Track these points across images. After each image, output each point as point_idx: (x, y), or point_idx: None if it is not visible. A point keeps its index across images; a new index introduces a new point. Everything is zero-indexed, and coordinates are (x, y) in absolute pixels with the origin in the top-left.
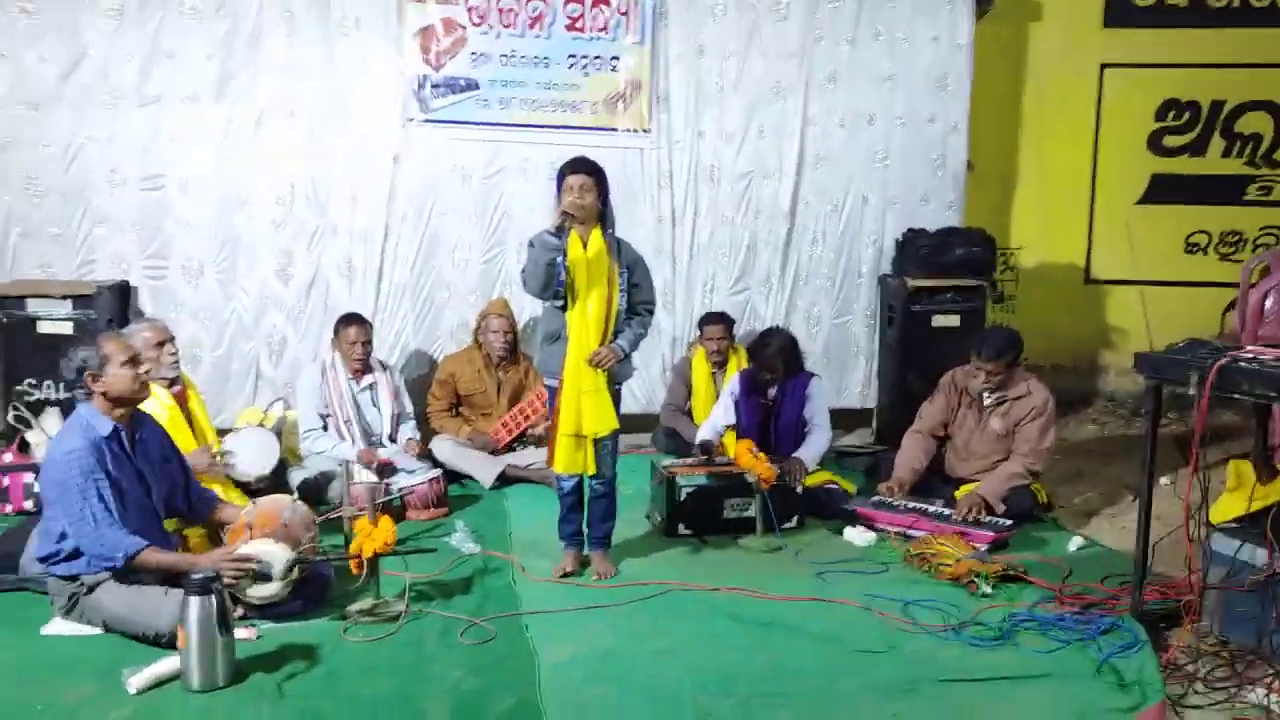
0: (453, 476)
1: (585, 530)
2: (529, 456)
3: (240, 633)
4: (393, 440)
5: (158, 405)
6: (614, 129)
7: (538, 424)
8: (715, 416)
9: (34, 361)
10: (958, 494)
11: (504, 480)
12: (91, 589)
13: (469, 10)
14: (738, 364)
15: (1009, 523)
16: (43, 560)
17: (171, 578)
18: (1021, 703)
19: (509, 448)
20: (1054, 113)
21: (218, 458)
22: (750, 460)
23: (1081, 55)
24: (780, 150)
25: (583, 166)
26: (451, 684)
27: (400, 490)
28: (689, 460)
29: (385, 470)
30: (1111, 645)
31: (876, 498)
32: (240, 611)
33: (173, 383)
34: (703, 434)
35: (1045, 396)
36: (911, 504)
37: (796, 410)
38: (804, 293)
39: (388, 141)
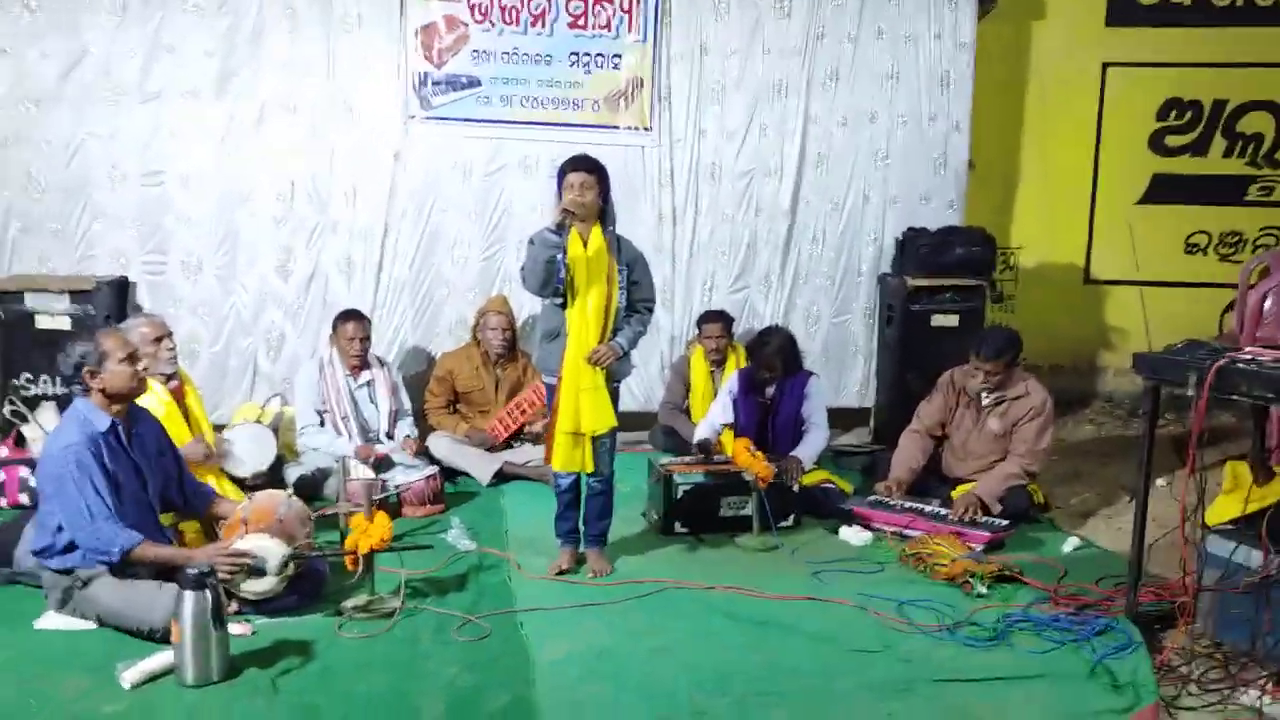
0: (449, 473)
1: (582, 528)
2: (526, 454)
3: (235, 628)
4: (390, 437)
5: (154, 400)
6: (615, 127)
7: (535, 420)
8: (713, 415)
9: (31, 356)
10: (954, 494)
11: (501, 477)
12: (86, 583)
13: (471, 7)
14: (736, 362)
15: (1005, 523)
16: (38, 554)
17: (167, 572)
18: (1015, 703)
19: (506, 444)
20: (1056, 111)
21: (214, 448)
22: (747, 459)
23: (1084, 54)
24: (781, 148)
25: (584, 164)
26: (446, 681)
27: (397, 487)
28: (687, 458)
29: (382, 465)
30: (1106, 646)
31: (873, 497)
32: (235, 607)
33: (170, 378)
34: (700, 432)
35: (1043, 397)
36: (908, 504)
37: (794, 409)
38: (803, 291)
39: (389, 138)
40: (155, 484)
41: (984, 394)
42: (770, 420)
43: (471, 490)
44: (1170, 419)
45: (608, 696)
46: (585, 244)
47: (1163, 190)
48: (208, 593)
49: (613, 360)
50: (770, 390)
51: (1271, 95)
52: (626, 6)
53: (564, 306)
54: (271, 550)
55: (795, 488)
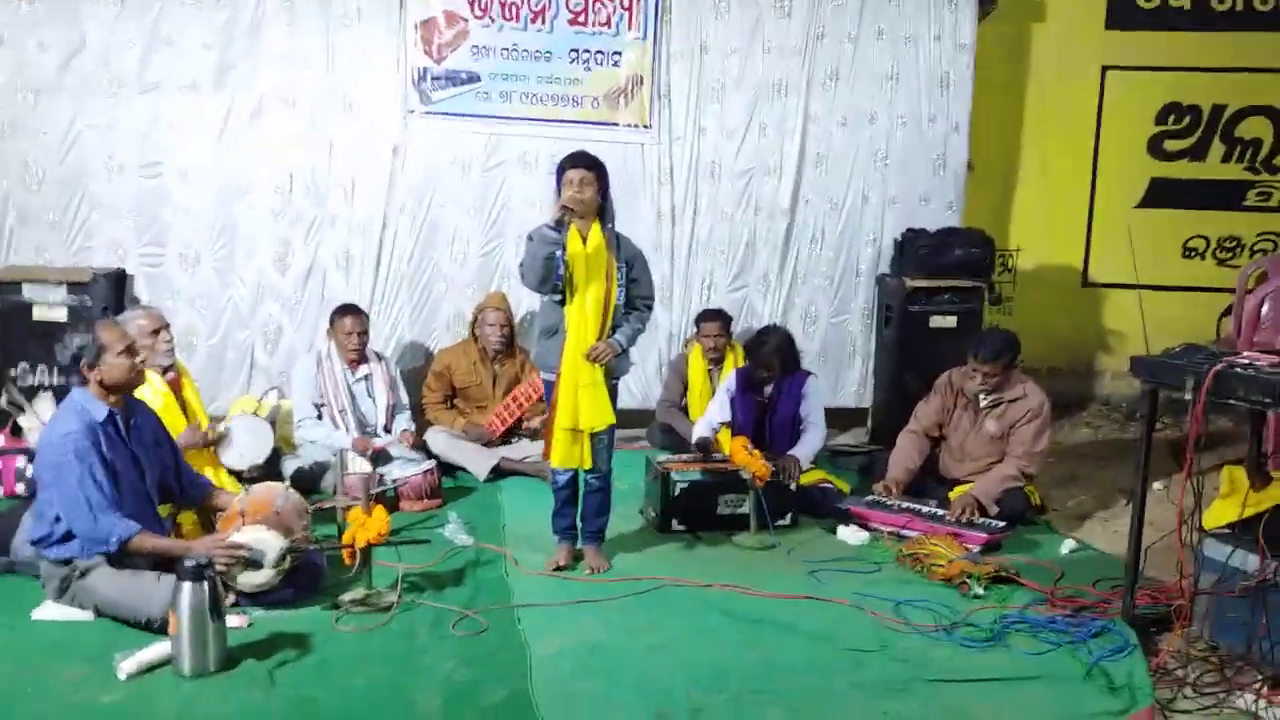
0: (447, 468)
1: (579, 524)
2: (523, 450)
3: (232, 620)
4: (387, 431)
5: (151, 392)
6: (615, 124)
7: (532, 416)
8: (711, 413)
9: (28, 347)
10: (951, 495)
11: (498, 473)
12: (84, 573)
13: (471, 3)
14: (734, 361)
15: (1002, 524)
16: (36, 543)
17: (165, 563)
18: (1011, 704)
19: (504, 440)
20: (1055, 114)
21: (209, 433)
22: (745, 457)
23: (1083, 57)
24: (781, 148)
25: (583, 161)
26: (443, 675)
27: (394, 481)
28: (684, 456)
29: (379, 459)
30: (1102, 649)
31: (870, 497)
32: (232, 599)
33: (167, 370)
34: (698, 430)
35: (1041, 399)
36: (905, 504)
37: (792, 408)
38: (802, 291)
39: (388, 133)
40: (153, 474)
41: (981, 396)
42: (767, 419)
43: (469, 485)
44: (1167, 423)
45: (604, 692)
46: (584, 241)
47: (1161, 194)
48: (205, 584)
49: (611, 357)
50: (768, 389)
51: (1270, 100)
52: (627, 4)
53: (563, 303)
54: (269, 543)
55: (793, 486)
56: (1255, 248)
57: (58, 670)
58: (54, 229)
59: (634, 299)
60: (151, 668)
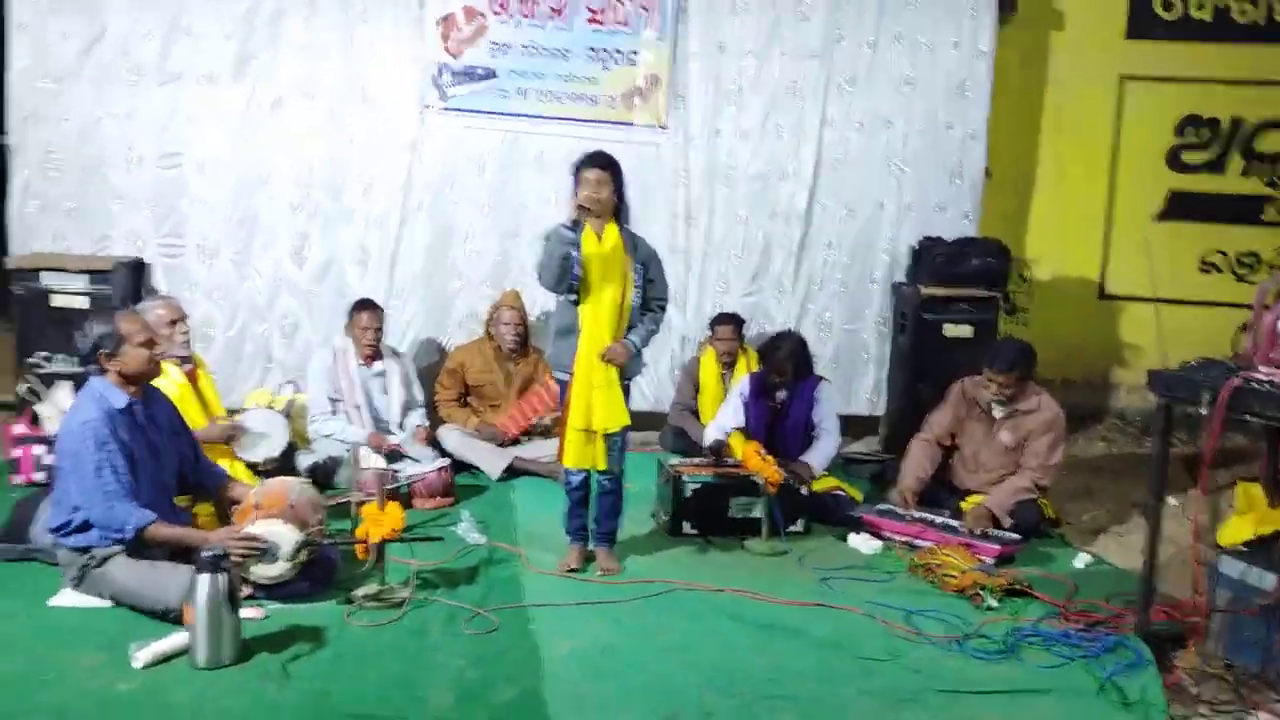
0: (460, 466)
1: (591, 526)
2: (536, 449)
3: (247, 612)
4: (401, 428)
5: (168, 382)
6: (631, 124)
7: (545, 415)
8: (723, 417)
9: (47, 334)
10: (964, 505)
11: (510, 472)
12: (102, 562)
13: None
14: (747, 365)
15: (1016, 536)
16: (54, 531)
17: (182, 554)
18: (1023, 717)
19: (516, 440)
20: (1072, 124)
21: (233, 427)
22: (758, 462)
23: (1102, 66)
24: (797, 152)
25: (599, 161)
26: (455, 672)
27: (408, 478)
28: (696, 460)
29: (393, 457)
30: (1116, 664)
31: (883, 505)
32: (247, 591)
33: (184, 361)
34: (710, 434)
35: (1056, 412)
36: (918, 514)
37: (804, 414)
38: (816, 297)
39: (405, 128)
40: (170, 464)
41: (995, 406)
42: (780, 424)
43: (482, 484)
44: (1183, 439)
45: (615, 693)
46: (600, 241)
47: (1179, 207)
48: (222, 576)
49: (625, 358)
50: (781, 395)
51: None
52: (646, 4)
53: (578, 303)
54: (284, 536)
55: (805, 491)
56: (1274, 264)
57: (75, 658)
58: (72, 217)
59: (649, 300)
60: (167, 658)
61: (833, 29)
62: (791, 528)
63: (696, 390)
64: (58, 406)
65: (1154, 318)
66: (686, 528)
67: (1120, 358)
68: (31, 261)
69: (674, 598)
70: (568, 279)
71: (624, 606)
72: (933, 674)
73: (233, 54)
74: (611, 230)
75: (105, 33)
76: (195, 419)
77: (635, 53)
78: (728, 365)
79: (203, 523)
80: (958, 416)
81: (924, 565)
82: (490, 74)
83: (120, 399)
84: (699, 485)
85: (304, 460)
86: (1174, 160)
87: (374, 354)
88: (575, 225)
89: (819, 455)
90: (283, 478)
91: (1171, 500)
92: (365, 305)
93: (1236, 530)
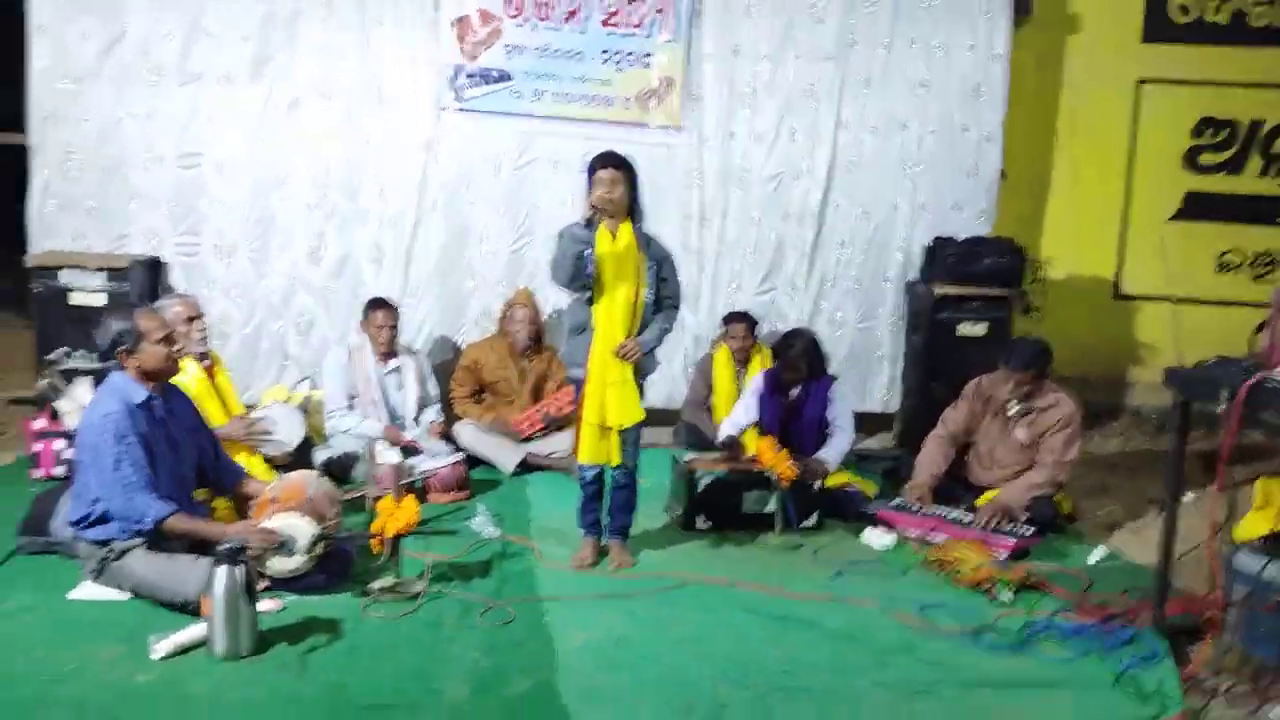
0: (475, 461)
1: (605, 520)
2: (550, 445)
3: (264, 604)
4: (417, 424)
5: (186, 379)
6: (645, 125)
7: (563, 411)
8: (737, 414)
9: (66, 332)
10: (979, 501)
11: (525, 467)
12: (121, 554)
13: (506, 1)
14: (761, 363)
15: (1031, 531)
16: (74, 524)
17: (200, 547)
18: (1038, 709)
19: (530, 437)
20: (1088, 126)
21: (254, 424)
22: (772, 458)
23: (1119, 69)
24: (811, 153)
25: (612, 161)
26: (470, 664)
27: (423, 473)
28: (710, 455)
29: (408, 451)
30: (1132, 656)
31: (897, 501)
32: (264, 583)
33: (201, 358)
34: (724, 431)
35: (1072, 408)
36: (932, 509)
37: (818, 412)
38: (830, 296)
39: (421, 129)
40: (189, 459)
41: (1012, 403)
42: (793, 422)
43: (496, 479)
44: (1199, 435)
45: (629, 685)
46: (614, 240)
47: (1196, 208)
48: (240, 568)
49: (639, 355)
50: (794, 392)
51: None
52: (660, 6)
53: (591, 301)
54: (301, 529)
55: (817, 486)
56: None
57: (94, 649)
58: (92, 216)
59: (662, 299)
60: (185, 649)
61: (847, 32)
62: (805, 523)
63: (710, 388)
64: (77, 402)
65: (1170, 317)
66: (700, 522)
67: (1136, 356)
68: (51, 260)
69: (687, 591)
70: (581, 277)
71: (638, 599)
72: (947, 667)
73: (251, 55)
74: (625, 230)
75: (125, 34)
76: (213, 415)
77: (649, 55)
78: (741, 363)
79: (221, 516)
80: (974, 413)
81: (938, 560)
82: (505, 76)
83: (140, 393)
84: (712, 480)
85: (320, 455)
86: (1191, 162)
87: (389, 351)
88: (589, 224)
89: (833, 452)
90: (300, 472)
91: (1188, 497)
92: (380, 304)
93: (1253, 525)
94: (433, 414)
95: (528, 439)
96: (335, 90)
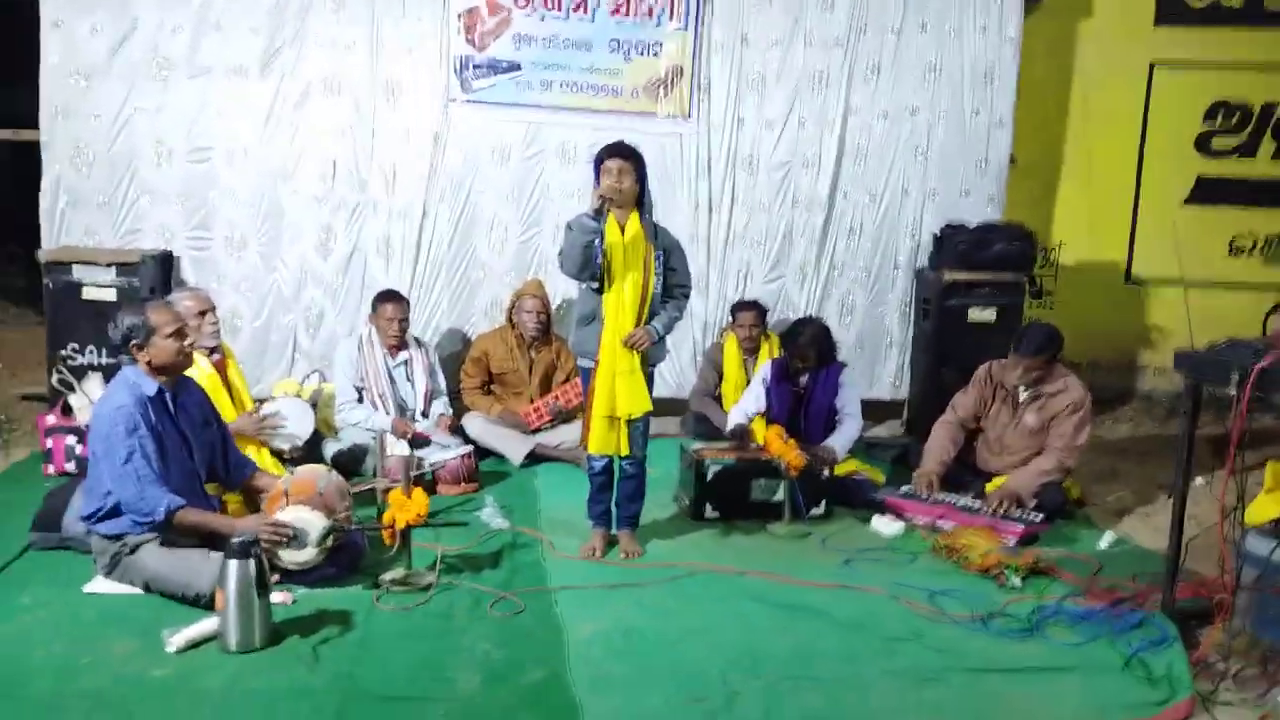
0: (484, 453)
1: (614, 510)
2: (559, 436)
3: (276, 596)
4: (425, 416)
5: (198, 373)
6: (654, 114)
7: (571, 404)
8: (745, 402)
9: (78, 327)
10: (988, 487)
11: (533, 458)
12: (134, 549)
13: None
14: (769, 351)
15: (1040, 517)
16: (87, 518)
17: (212, 540)
18: (1048, 694)
19: (538, 428)
20: (1100, 110)
21: (265, 419)
22: (780, 446)
23: (1131, 53)
24: (820, 140)
25: (621, 151)
26: (481, 655)
27: (432, 465)
28: (719, 444)
29: (417, 443)
30: (1141, 640)
31: (905, 488)
32: (276, 576)
33: (212, 351)
34: (733, 419)
35: (1082, 393)
36: (941, 496)
37: (827, 399)
38: (839, 283)
39: (429, 120)
40: (201, 453)
41: (1021, 389)
42: (802, 410)
43: (505, 470)
44: (1209, 419)
45: (640, 675)
46: (622, 230)
47: (1208, 191)
48: (252, 561)
49: (648, 344)
50: (804, 380)
51: None
52: None
53: (600, 291)
54: (312, 522)
55: (825, 473)
56: None
57: (109, 644)
58: (103, 211)
59: (671, 288)
60: (199, 643)
61: (857, 18)
62: (813, 510)
63: (719, 377)
64: (89, 398)
65: (1181, 301)
66: (708, 511)
67: (1147, 340)
68: (63, 255)
69: (697, 580)
70: (590, 267)
71: (647, 589)
72: (956, 653)
73: (260, 48)
74: (634, 220)
75: (135, 28)
76: (225, 409)
77: (658, 44)
78: (750, 351)
79: (232, 510)
80: (983, 399)
81: (947, 546)
82: (514, 66)
83: (151, 386)
84: (721, 469)
85: (330, 448)
86: (1203, 145)
87: (399, 344)
88: (598, 214)
89: (841, 440)
90: (311, 465)
91: (1198, 481)
92: (391, 296)
93: (1264, 509)
94: (441, 407)
95: (536, 430)
96: (344, 83)
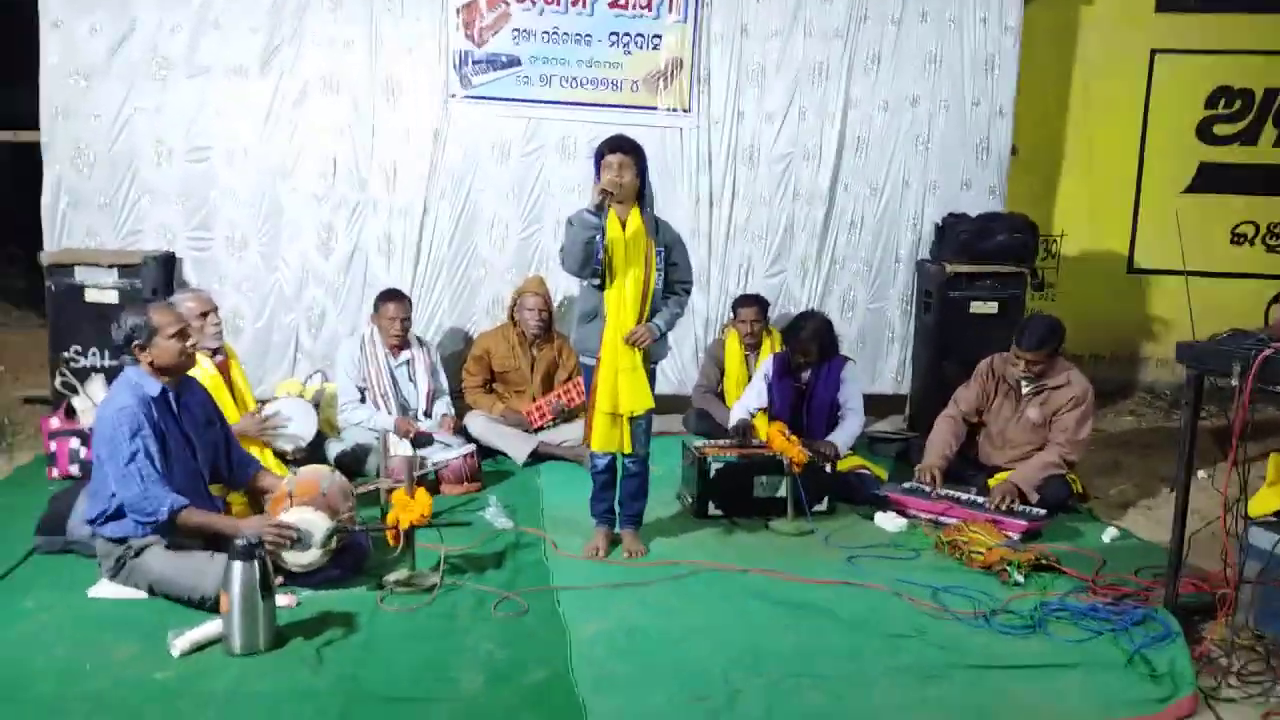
0: (486, 452)
1: (617, 508)
2: (561, 434)
3: (281, 599)
4: (428, 415)
5: (201, 374)
6: (654, 108)
7: (574, 404)
8: (747, 398)
9: (81, 329)
10: (991, 482)
11: (536, 457)
12: (139, 552)
13: None
14: (771, 346)
15: (1043, 512)
16: (92, 521)
17: (216, 543)
18: (1051, 690)
19: (541, 427)
20: (1101, 98)
21: (267, 420)
22: (782, 443)
23: (1132, 40)
24: (821, 132)
25: (621, 145)
26: (485, 655)
27: (435, 464)
28: (721, 441)
29: (420, 443)
30: (1144, 636)
31: (908, 484)
32: (280, 579)
33: (215, 352)
34: (735, 415)
35: (1084, 387)
36: (944, 491)
37: (829, 394)
38: (840, 276)
39: (429, 117)
40: (204, 453)
41: (1024, 382)
42: (805, 405)
43: (508, 469)
44: (1212, 411)
45: (643, 673)
46: (623, 225)
47: (1210, 179)
48: (256, 564)
49: (650, 341)
50: (805, 375)
51: None
52: None
53: (602, 287)
54: (316, 524)
55: (828, 469)
56: None
57: (113, 647)
58: (104, 212)
59: (673, 283)
60: (203, 646)
61: (856, 8)
62: (816, 507)
63: (721, 373)
64: (92, 400)
65: (1183, 291)
66: (711, 509)
67: (1149, 331)
68: (65, 257)
69: (700, 578)
70: (591, 263)
71: (650, 588)
72: (960, 650)
73: (259, 47)
74: (635, 215)
75: (134, 28)
76: (228, 410)
77: (658, 37)
78: (751, 347)
79: (236, 512)
80: (985, 393)
81: (950, 542)
82: (513, 61)
83: (154, 387)
84: (723, 466)
85: (333, 449)
86: (1205, 132)
87: (401, 343)
88: (599, 210)
89: (844, 435)
90: (315, 466)
91: (1201, 473)
92: (392, 295)
93: (1267, 501)
94: (443, 406)
95: (539, 429)
96: (343, 81)
